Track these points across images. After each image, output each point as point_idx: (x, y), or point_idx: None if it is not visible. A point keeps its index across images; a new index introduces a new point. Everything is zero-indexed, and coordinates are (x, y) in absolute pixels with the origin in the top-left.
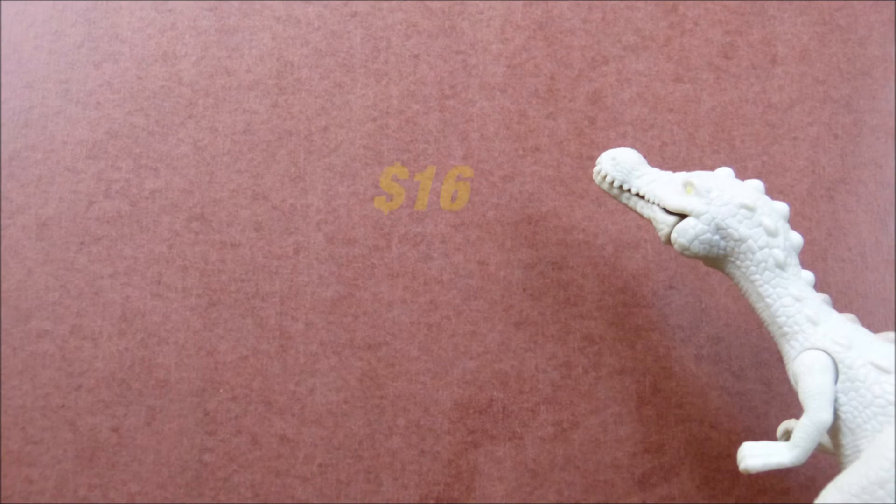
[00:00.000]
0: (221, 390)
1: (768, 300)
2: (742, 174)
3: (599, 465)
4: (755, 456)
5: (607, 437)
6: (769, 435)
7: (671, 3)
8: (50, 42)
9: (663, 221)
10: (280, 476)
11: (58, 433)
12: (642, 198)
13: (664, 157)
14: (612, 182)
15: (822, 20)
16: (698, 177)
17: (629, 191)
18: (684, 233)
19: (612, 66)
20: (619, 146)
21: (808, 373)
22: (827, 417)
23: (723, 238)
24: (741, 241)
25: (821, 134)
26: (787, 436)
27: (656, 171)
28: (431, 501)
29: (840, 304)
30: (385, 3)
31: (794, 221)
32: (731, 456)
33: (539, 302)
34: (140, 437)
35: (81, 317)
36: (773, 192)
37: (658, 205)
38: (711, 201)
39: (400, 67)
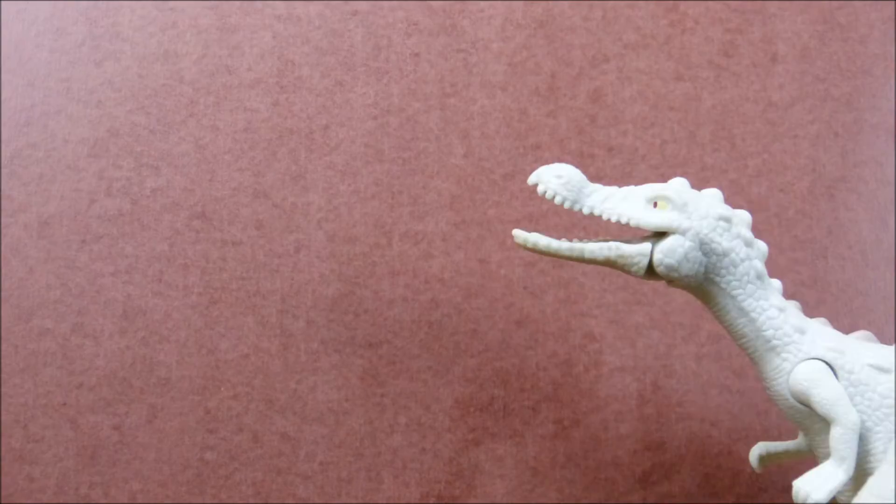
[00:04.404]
0: (223, 388)
1: (752, 314)
2: (743, 172)
3: (600, 462)
4: (817, 488)
5: (608, 435)
6: (768, 433)
7: (672, 1)
8: (51, 40)
9: (638, 253)
10: (281, 474)
11: (59, 431)
12: (598, 221)
13: (664, 156)
14: (563, 202)
15: (823, 19)
16: (668, 189)
17: (580, 211)
18: (672, 252)
19: (613, 64)
20: (616, 146)
21: (818, 383)
22: (856, 417)
23: (706, 254)
24: (724, 254)
25: (821, 132)
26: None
27: (602, 187)
28: (432, 499)
29: (840, 303)
30: (386, 2)
31: (795, 219)
32: (732, 454)
33: (540, 300)
34: (141, 435)
35: (83, 315)
36: (773, 189)
37: (629, 223)
38: (690, 215)
39: (401, 66)
